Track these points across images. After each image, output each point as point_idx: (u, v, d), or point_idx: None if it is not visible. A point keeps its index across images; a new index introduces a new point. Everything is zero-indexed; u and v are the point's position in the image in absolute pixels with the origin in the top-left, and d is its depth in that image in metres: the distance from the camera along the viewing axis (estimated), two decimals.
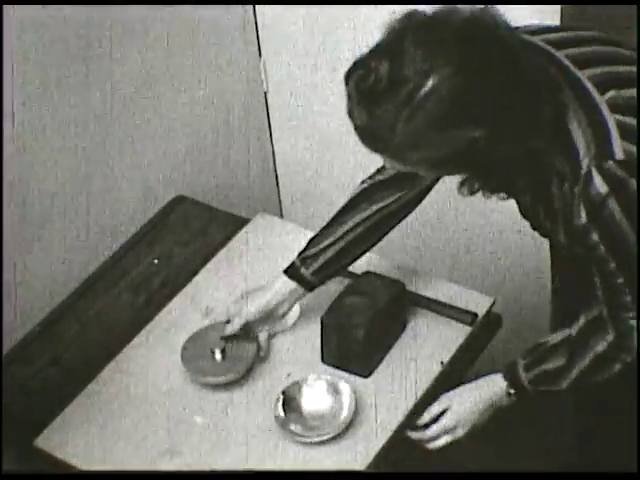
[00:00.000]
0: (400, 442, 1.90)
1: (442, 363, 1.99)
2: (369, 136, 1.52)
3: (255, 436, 1.90)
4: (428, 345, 2.02)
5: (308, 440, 1.88)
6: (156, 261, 2.29)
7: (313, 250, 1.97)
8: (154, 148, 2.45)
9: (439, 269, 2.68)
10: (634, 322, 1.66)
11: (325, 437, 1.87)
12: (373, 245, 2.00)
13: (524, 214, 1.74)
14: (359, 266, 2.12)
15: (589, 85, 1.57)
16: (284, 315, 2.04)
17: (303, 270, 1.97)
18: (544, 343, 1.80)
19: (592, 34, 1.70)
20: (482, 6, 1.53)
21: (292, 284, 1.99)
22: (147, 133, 2.41)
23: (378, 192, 1.94)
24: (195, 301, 2.17)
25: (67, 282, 2.24)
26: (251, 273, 2.19)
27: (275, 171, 2.88)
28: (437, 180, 1.90)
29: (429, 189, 1.94)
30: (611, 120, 1.54)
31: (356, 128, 1.52)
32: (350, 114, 1.52)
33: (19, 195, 2.09)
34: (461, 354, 2.02)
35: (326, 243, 1.96)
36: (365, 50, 1.52)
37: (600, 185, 1.53)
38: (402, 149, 1.50)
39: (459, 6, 1.52)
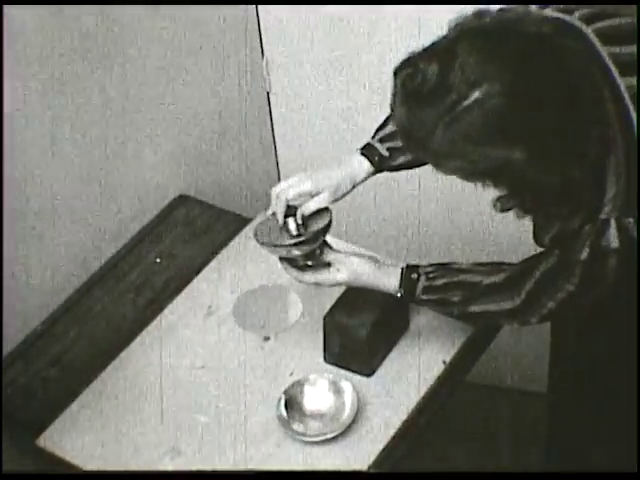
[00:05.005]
0: (402, 442, 1.89)
1: (444, 362, 1.99)
2: (407, 136, 1.51)
3: (257, 435, 1.90)
4: (430, 344, 2.02)
5: (310, 439, 1.88)
6: (158, 260, 2.29)
7: (398, 144, 1.87)
8: (156, 147, 2.45)
9: None
10: (546, 310, 1.69)
11: (327, 436, 1.87)
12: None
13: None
14: None
15: (631, 108, 1.55)
16: (345, 194, 1.93)
17: (387, 162, 1.90)
18: (455, 273, 1.79)
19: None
20: (549, 14, 1.52)
21: (371, 171, 1.90)
22: (149, 132, 2.41)
23: None
24: (198, 300, 2.17)
25: (69, 281, 2.24)
26: (254, 272, 2.19)
27: (278, 170, 2.88)
28: None
29: None
30: None
31: (396, 126, 1.52)
32: (392, 110, 1.51)
33: (20, 194, 2.08)
34: (463, 353, 2.02)
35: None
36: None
37: (613, 238, 1.54)
38: (437, 156, 1.50)
39: (531, 12, 1.50)
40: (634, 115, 1.55)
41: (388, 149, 1.90)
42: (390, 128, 1.90)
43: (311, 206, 1.87)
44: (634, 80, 1.56)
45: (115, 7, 2.18)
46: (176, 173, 2.52)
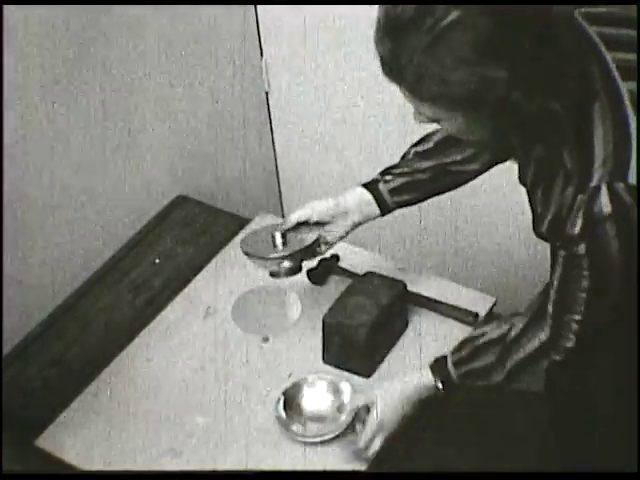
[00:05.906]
0: (401, 442, 1.89)
1: None
2: (389, 65, 1.51)
3: (256, 436, 1.90)
4: (429, 345, 2.02)
5: (309, 440, 1.88)
6: (157, 261, 2.30)
7: (393, 171, 1.95)
8: (155, 148, 2.45)
9: (440, 269, 2.68)
10: (576, 325, 1.67)
11: (326, 437, 1.87)
12: (445, 191, 1.98)
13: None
14: (361, 266, 2.12)
15: (617, 75, 1.55)
16: (346, 230, 1.98)
17: (382, 185, 1.95)
18: (477, 338, 1.79)
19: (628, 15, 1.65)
20: None
21: (367, 196, 1.95)
22: (148, 133, 2.41)
23: (447, 147, 1.94)
24: (196, 301, 2.17)
25: (68, 282, 2.24)
26: (252, 273, 2.19)
27: (276, 171, 2.88)
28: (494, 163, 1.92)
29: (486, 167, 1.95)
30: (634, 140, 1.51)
31: (380, 58, 1.51)
32: (376, 43, 1.51)
33: (20, 195, 2.09)
34: None
35: (404, 171, 1.95)
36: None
37: (605, 204, 1.51)
38: (418, 80, 1.48)
39: None
40: (622, 85, 1.54)
41: (382, 173, 1.96)
42: (393, 171, 1.96)
43: (291, 218, 1.95)
44: (620, 55, 1.56)
45: (115, 7, 2.18)
46: (175, 173, 2.52)
